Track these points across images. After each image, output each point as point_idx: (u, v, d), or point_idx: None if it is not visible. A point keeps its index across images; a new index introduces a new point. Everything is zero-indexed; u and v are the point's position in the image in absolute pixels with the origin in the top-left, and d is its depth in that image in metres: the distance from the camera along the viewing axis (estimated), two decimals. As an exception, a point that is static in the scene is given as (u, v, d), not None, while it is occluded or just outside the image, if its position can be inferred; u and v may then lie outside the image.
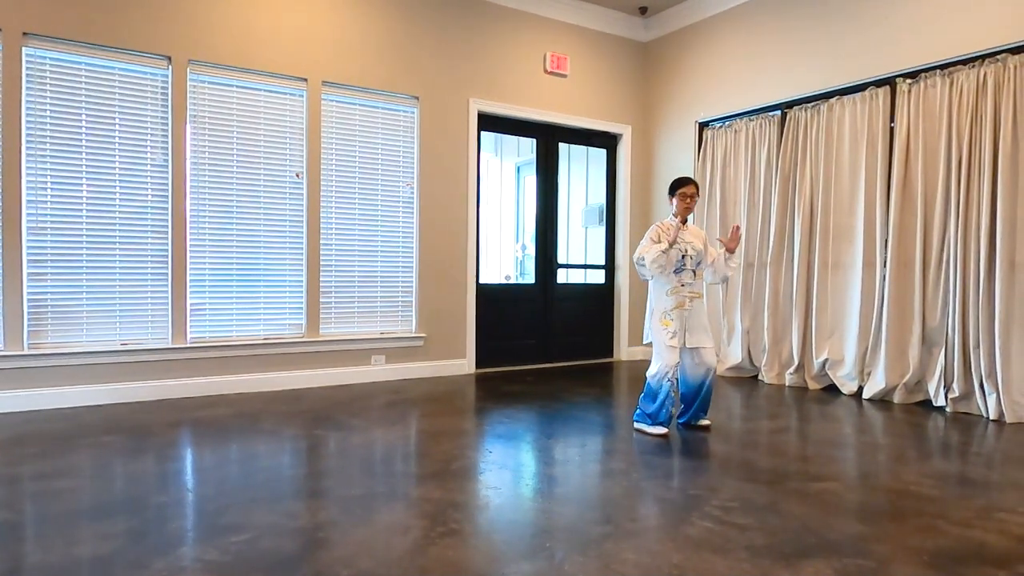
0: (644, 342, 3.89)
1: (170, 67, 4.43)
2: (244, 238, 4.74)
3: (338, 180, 5.09)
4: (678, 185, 3.72)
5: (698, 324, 3.68)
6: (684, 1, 6.04)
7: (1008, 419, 3.96)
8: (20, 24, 3.99)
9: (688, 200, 3.66)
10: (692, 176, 6.10)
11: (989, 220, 4.09)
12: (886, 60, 4.65)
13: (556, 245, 6.32)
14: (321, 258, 5.01)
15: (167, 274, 4.47)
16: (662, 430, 3.59)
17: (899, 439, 3.64)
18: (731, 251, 3.71)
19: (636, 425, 3.72)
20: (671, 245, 3.54)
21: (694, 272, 3.70)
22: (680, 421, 3.80)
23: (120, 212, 4.33)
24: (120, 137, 4.32)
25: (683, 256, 3.65)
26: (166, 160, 4.46)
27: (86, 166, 4.23)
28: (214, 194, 4.63)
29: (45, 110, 4.10)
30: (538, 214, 6.23)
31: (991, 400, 4.04)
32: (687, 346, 3.65)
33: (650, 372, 3.63)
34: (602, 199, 6.63)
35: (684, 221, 3.71)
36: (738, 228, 3.70)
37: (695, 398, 3.74)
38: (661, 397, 3.58)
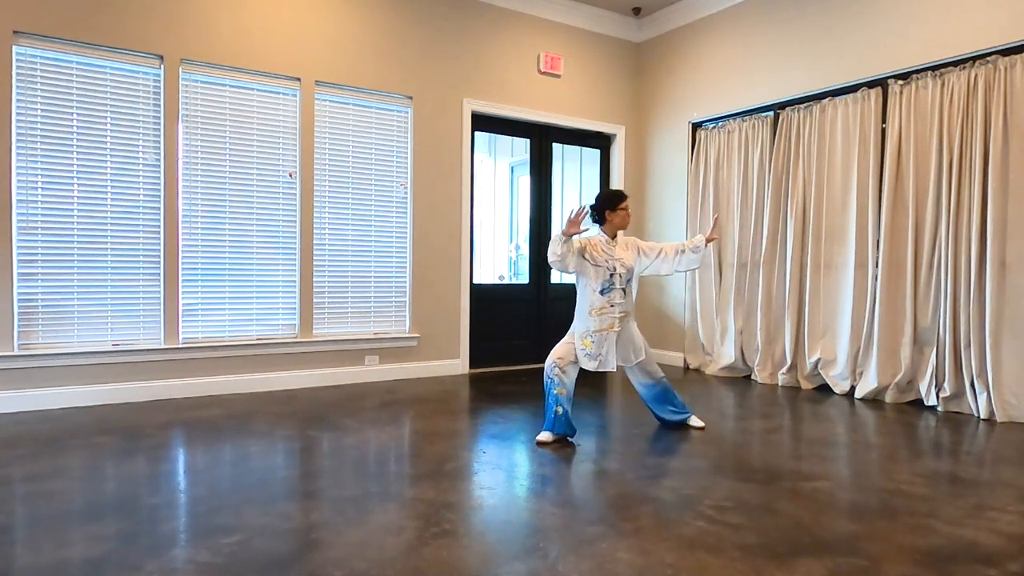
0: None
1: (162, 66, 4.41)
2: (237, 238, 4.72)
3: (331, 180, 5.08)
4: (620, 199, 3.53)
5: (630, 343, 3.52)
6: (677, 2, 6.06)
7: (999, 418, 3.98)
8: (10, 22, 3.96)
9: (629, 215, 3.56)
10: (685, 178, 6.13)
11: (980, 221, 4.12)
12: (878, 61, 4.68)
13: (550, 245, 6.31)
14: (315, 258, 5.00)
15: (159, 274, 4.45)
16: (543, 436, 3.40)
17: (891, 438, 3.65)
18: (711, 241, 3.60)
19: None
20: (568, 236, 3.31)
21: (624, 291, 3.48)
22: (674, 422, 3.78)
23: (112, 212, 4.31)
24: (112, 136, 4.30)
25: (611, 274, 3.44)
26: (158, 160, 4.43)
27: (77, 165, 4.20)
28: (207, 194, 4.61)
29: (36, 109, 4.07)
30: (532, 214, 6.23)
31: (982, 399, 4.07)
32: (623, 364, 3.54)
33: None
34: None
35: (614, 236, 3.56)
36: (718, 217, 3.50)
37: (659, 400, 3.69)
38: (548, 399, 3.43)
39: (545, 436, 3.43)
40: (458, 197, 5.62)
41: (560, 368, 3.43)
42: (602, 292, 3.44)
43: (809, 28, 5.12)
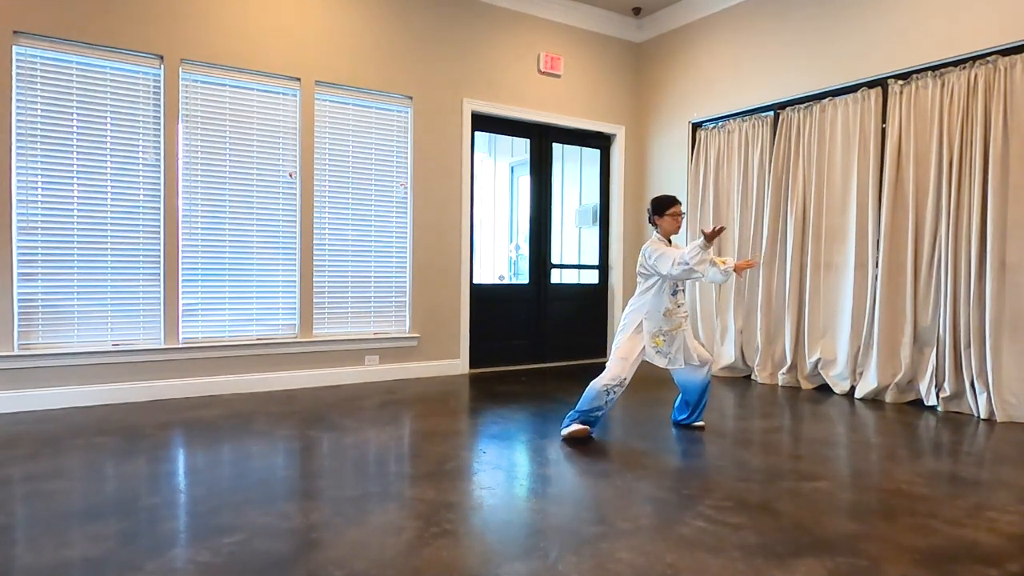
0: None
1: (162, 66, 4.41)
2: (237, 238, 4.72)
3: (332, 180, 5.08)
4: (668, 204, 3.57)
5: (691, 343, 3.64)
6: (678, 2, 6.06)
7: (999, 418, 3.98)
8: (10, 22, 3.96)
9: (680, 219, 3.59)
10: (685, 178, 6.13)
11: (980, 221, 4.12)
12: (878, 61, 4.68)
13: (550, 245, 6.32)
14: (315, 258, 5.00)
15: (159, 274, 4.45)
16: (580, 427, 3.45)
17: (891, 438, 3.65)
18: (739, 271, 3.61)
19: (565, 427, 3.52)
20: (710, 240, 3.31)
21: (684, 292, 3.64)
22: (683, 422, 3.78)
23: (112, 212, 4.31)
24: (112, 136, 4.30)
25: None
26: (158, 160, 4.43)
27: (77, 165, 4.20)
28: (207, 194, 4.60)
29: (36, 109, 4.07)
30: (532, 214, 6.23)
31: (982, 399, 4.07)
32: (687, 363, 3.60)
33: (599, 380, 3.44)
34: (596, 199, 6.64)
35: (669, 241, 3.61)
36: (755, 263, 3.66)
37: (699, 403, 3.73)
38: (599, 403, 3.43)
39: (580, 427, 3.46)
40: (458, 197, 5.62)
41: (621, 386, 3.46)
42: (672, 294, 3.55)
43: (809, 28, 5.12)
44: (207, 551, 2.09)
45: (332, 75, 5.01)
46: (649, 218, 3.69)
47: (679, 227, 3.61)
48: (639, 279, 3.64)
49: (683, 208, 3.65)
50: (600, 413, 3.50)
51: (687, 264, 3.32)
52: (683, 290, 3.63)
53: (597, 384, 3.45)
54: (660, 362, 3.56)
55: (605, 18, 6.29)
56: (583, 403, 3.48)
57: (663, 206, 3.59)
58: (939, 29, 4.34)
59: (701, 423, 3.79)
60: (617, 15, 6.31)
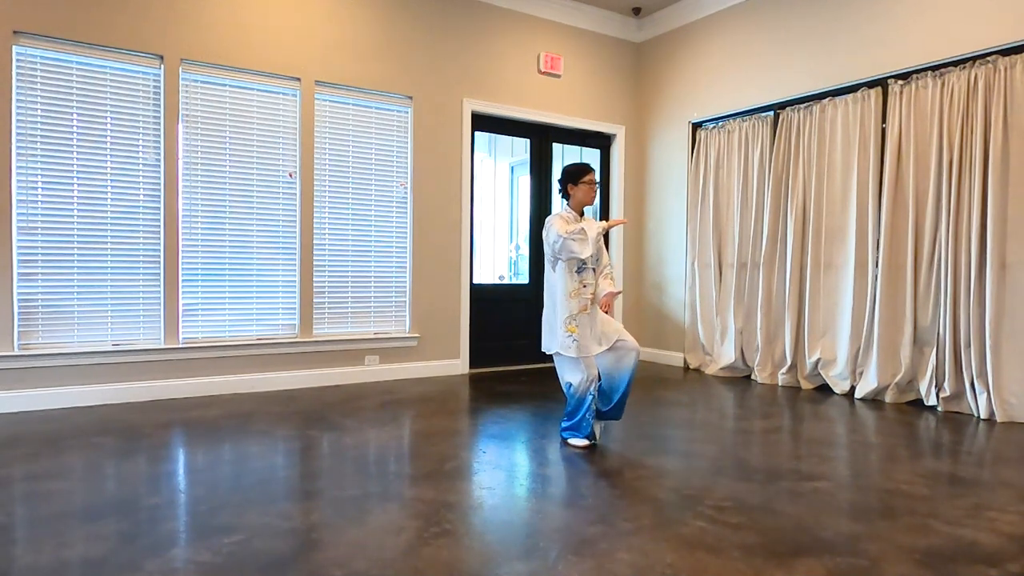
0: (548, 352, 3.45)
1: (162, 66, 4.41)
2: (237, 238, 4.72)
3: (332, 180, 5.08)
4: (582, 172, 3.36)
5: (608, 323, 3.38)
6: (677, 2, 6.06)
7: (999, 418, 3.98)
8: (10, 22, 3.96)
9: (595, 189, 3.37)
10: (685, 178, 6.13)
11: (980, 221, 4.12)
12: (878, 61, 4.68)
13: (550, 245, 6.31)
14: (315, 258, 5.00)
15: (159, 274, 4.45)
16: (584, 442, 3.34)
17: (891, 438, 3.65)
18: (606, 299, 3.41)
19: (567, 439, 3.43)
20: (608, 228, 3.22)
21: (594, 271, 3.39)
22: (603, 413, 3.49)
23: (112, 212, 4.31)
24: (112, 137, 4.30)
25: None
26: (158, 160, 4.43)
27: (77, 165, 4.20)
28: (207, 194, 4.60)
29: (36, 109, 4.07)
30: (532, 214, 6.23)
31: (982, 399, 4.07)
32: (611, 346, 3.35)
33: (572, 384, 3.32)
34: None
35: (581, 214, 3.41)
36: (611, 305, 3.43)
37: (617, 390, 3.40)
38: (583, 410, 3.33)
39: (585, 442, 3.35)
40: (458, 197, 5.62)
41: (595, 382, 3.35)
42: (577, 271, 3.35)
43: (809, 28, 5.12)
44: (207, 551, 2.09)
45: (332, 75, 5.01)
46: (561, 190, 3.47)
47: (594, 197, 3.41)
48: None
49: (597, 176, 3.40)
50: (592, 416, 3.35)
51: (573, 238, 3.13)
52: (591, 268, 3.36)
53: (578, 391, 3.33)
54: (572, 352, 3.30)
55: (605, 18, 6.29)
56: (573, 414, 3.38)
57: (578, 174, 3.38)
58: (939, 29, 4.34)
59: (595, 441, 3.44)
60: (617, 15, 6.31)
